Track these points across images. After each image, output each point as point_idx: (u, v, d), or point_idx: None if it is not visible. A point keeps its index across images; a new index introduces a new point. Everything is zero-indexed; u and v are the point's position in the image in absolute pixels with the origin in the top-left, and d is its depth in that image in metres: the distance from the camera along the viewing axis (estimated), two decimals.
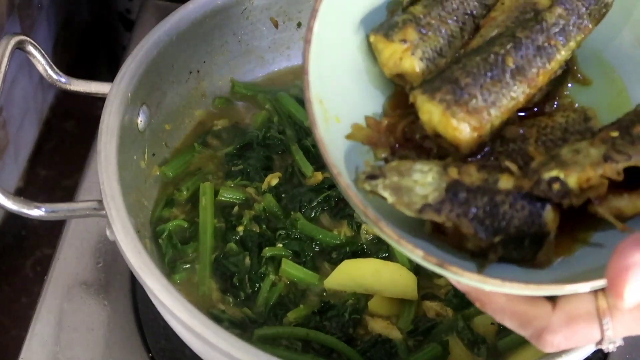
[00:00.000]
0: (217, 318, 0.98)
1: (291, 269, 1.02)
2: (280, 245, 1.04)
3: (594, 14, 0.83)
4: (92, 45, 1.55)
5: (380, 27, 0.82)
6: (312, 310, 1.00)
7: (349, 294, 1.02)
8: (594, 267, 0.73)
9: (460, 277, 0.71)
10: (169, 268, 1.03)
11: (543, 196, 0.75)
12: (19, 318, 1.17)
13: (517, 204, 0.75)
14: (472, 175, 0.76)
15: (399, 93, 0.84)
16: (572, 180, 0.74)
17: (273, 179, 1.09)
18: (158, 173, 1.10)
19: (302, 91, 1.18)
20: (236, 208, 1.07)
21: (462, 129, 0.78)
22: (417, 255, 0.72)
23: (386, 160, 0.81)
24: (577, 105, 0.86)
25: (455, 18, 0.84)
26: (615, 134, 0.76)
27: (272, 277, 1.02)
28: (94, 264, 1.12)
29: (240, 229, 1.05)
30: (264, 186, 1.09)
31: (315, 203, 1.07)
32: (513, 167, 0.76)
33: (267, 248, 1.04)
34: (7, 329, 1.22)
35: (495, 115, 0.79)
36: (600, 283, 0.71)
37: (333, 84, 0.80)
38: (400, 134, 0.81)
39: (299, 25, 1.20)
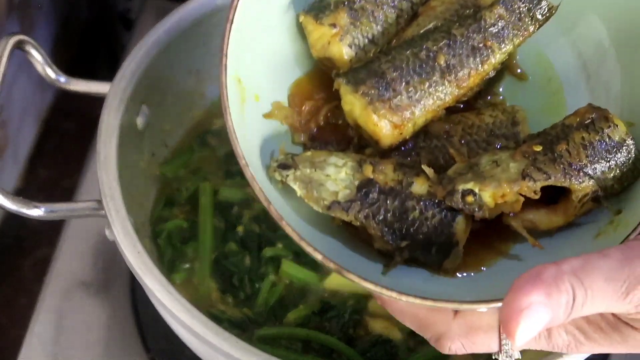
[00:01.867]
0: (216, 318, 0.98)
1: (291, 269, 1.02)
2: (280, 245, 1.04)
3: (536, 18, 0.80)
4: (92, 45, 1.55)
5: (311, 8, 0.80)
6: (312, 311, 1.00)
7: (349, 294, 1.02)
8: (503, 283, 0.70)
9: (359, 284, 0.70)
10: (168, 268, 1.03)
11: (455, 207, 0.74)
12: (18, 318, 1.17)
13: (428, 211, 0.74)
14: (387, 174, 0.75)
15: (324, 74, 0.81)
16: (487, 195, 0.73)
17: None
18: (157, 173, 1.10)
19: None
20: (236, 208, 1.07)
21: (383, 126, 0.76)
22: (316, 257, 0.70)
23: (304, 146, 0.79)
24: (507, 104, 0.84)
25: (393, 3, 0.81)
26: (538, 148, 0.74)
27: (272, 277, 1.02)
28: (94, 264, 1.12)
29: (239, 228, 1.05)
30: None
31: None
32: (429, 172, 0.75)
33: (266, 248, 1.04)
34: (6, 329, 1.22)
35: (418, 114, 0.77)
36: (498, 305, 0.69)
37: (255, 61, 0.78)
38: (324, 118, 0.80)
39: None
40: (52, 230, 1.18)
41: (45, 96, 1.40)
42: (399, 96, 0.76)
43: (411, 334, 0.99)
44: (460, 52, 0.78)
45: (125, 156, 0.99)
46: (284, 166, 0.75)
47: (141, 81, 1.04)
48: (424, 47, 0.78)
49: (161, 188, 1.09)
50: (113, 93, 1.00)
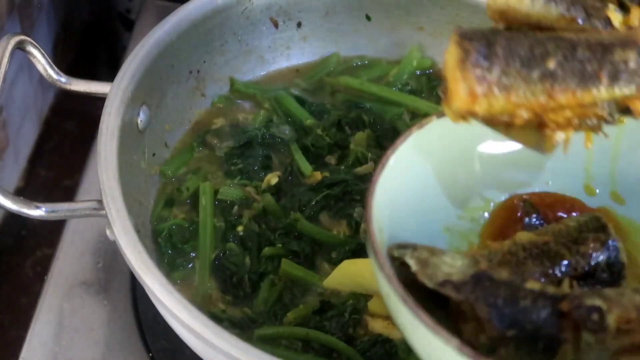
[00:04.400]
0: (216, 318, 0.98)
1: (291, 269, 1.02)
2: (280, 244, 1.04)
3: None
4: (92, 45, 1.55)
5: None
6: (312, 310, 1.00)
7: (348, 293, 1.02)
8: None
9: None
10: (168, 268, 1.03)
11: (578, 319, 0.73)
12: (19, 318, 1.17)
13: (539, 301, 0.74)
14: (502, 273, 0.76)
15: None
16: (612, 317, 0.73)
17: (272, 178, 1.09)
18: (158, 173, 1.10)
19: (302, 90, 1.20)
20: (236, 208, 1.07)
21: (462, 87, 0.75)
22: (451, 345, 0.70)
23: None
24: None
25: None
26: None
27: (271, 276, 1.02)
28: (94, 263, 1.12)
29: (239, 228, 1.05)
30: (264, 185, 1.09)
31: (314, 202, 1.07)
32: (536, 285, 0.76)
33: (266, 248, 1.04)
34: (7, 329, 1.22)
35: (499, 98, 0.76)
36: None
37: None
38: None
39: (299, 25, 1.20)
40: (52, 230, 1.18)
41: (46, 96, 1.40)
42: (492, 72, 0.75)
43: None
44: (572, 67, 0.77)
45: (125, 156, 0.99)
46: (403, 246, 0.77)
47: (142, 81, 1.04)
48: (546, 46, 0.77)
49: (161, 188, 1.10)
50: (114, 93, 1.01)
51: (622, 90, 0.78)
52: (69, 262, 1.12)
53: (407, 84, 1.20)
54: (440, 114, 0.80)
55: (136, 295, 1.09)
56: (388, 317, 1.00)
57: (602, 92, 0.77)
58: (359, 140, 1.12)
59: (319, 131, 1.13)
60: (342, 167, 1.11)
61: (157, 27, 1.08)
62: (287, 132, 1.14)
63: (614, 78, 0.77)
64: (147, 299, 0.96)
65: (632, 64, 0.77)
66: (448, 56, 0.77)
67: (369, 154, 1.11)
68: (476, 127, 0.81)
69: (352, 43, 1.22)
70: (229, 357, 0.85)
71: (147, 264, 0.90)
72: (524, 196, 0.88)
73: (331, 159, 1.12)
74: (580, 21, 0.81)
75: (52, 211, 0.95)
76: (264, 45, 1.20)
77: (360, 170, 1.10)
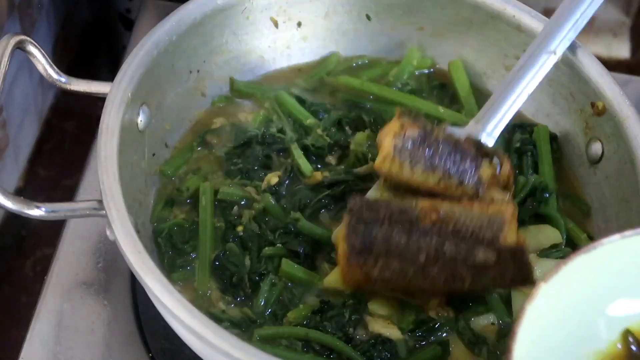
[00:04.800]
0: (216, 318, 0.98)
1: (291, 269, 1.02)
2: (280, 244, 1.04)
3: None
4: (92, 45, 1.55)
5: None
6: (312, 310, 1.00)
7: (348, 293, 1.02)
8: None
9: None
10: (168, 268, 1.03)
11: None
12: (19, 318, 1.17)
13: None
14: None
15: None
16: None
17: (272, 178, 1.09)
18: (158, 173, 1.10)
19: (302, 90, 1.20)
20: (235, 208, 1.07)
21: (348, 277, 0.96)
22: None
23: None
24: None
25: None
26: None
27: (271, 276, 1.02)
28: (94, 264, 1.12)
29: (239, 228, 1.05)
30: (264, 185, 1.09)
31: (314, 202, 1.07)
32: None
33: (266, 248, 1.04)
34: (7, 329, 1.22)
35: (379, 288, 0.97)
36: None
37: None
38: None
39: (299, 24, 1.20)
40: (52, 230, 1.18)
41: (46, 96, 1.40)
42: (372, 268, 0.94)
43: (411, 332, 0.99)
44: (442, 266, 0.92)
45: (125, 156, 0.99)
46: None
47: (142, 81, 1.04)
48: (421, 245, 0.93)
49: (161, 188, 1.10)
50: (114, 93, 1.01)
51: (490, 288, 0.98)
52: (69, 262, 1.12)
53: (407, 84, 1.20)
54: (548, 277, 0.79)
55: (136, 295, 1.09)
56: (388, 317, 1.00)
57: (465, 284, 0.94)
58: (359, 140, 1.12)
59: (319, 131, 1.13)
60: (342, 167, 1.11)
61: (157, 27, 1.08)
62: (287, 132, 1.14)
63: (477, 279, 0.93)
64: (147, 299, 0.96)
65: (491, 266, 0.92)
66: (338, 241, 0.94)
67: (369, 154, 1.11)
68: (603, 287, 0.81)
69: (352, 43, 1.22)
70: (229, 357, 0.85)
71: (147, 264, 0.90)
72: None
73: (331, 159, 1.12)
74: (454, 187, 0.99)
75: (52, 211, 0.95)
76: (264, 46, 1.20)
77: (360, 170, 1.10)
